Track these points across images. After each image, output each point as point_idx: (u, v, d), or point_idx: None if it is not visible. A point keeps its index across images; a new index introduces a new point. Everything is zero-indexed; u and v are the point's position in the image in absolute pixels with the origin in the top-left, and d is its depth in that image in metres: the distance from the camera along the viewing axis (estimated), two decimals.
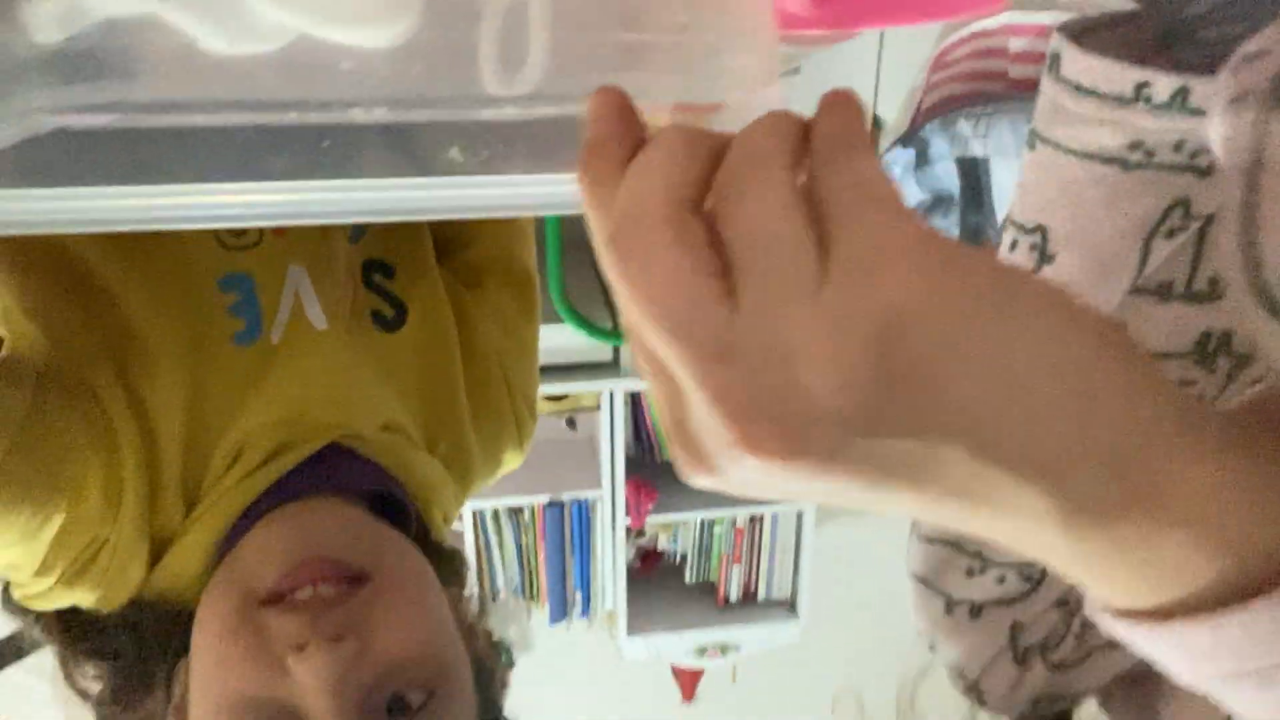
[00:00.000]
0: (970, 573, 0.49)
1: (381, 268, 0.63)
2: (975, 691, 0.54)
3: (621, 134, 0.26)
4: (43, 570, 0.50)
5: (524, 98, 0.38)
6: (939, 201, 1.31)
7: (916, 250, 0.22)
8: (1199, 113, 0.34)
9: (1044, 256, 0.37)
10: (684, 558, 2.04)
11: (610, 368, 1.69)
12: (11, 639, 0.74)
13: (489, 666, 0.56)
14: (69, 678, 0.55)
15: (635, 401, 1.84)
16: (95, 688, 0.54)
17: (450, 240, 0.71)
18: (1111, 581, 0.25)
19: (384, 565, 0.51)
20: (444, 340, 0.64)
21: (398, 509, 0.58)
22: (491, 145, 0.40)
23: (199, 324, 0.55)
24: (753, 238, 0.23)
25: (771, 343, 0.22)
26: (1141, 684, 0.48)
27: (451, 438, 0.64)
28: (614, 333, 1.51)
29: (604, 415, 1.72)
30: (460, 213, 0.41)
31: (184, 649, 0.52)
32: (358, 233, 0.63)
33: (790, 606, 2.02)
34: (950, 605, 0.51)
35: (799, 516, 1.93)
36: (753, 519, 1.95)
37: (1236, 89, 0.27)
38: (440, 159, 0.40)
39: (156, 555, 0.53)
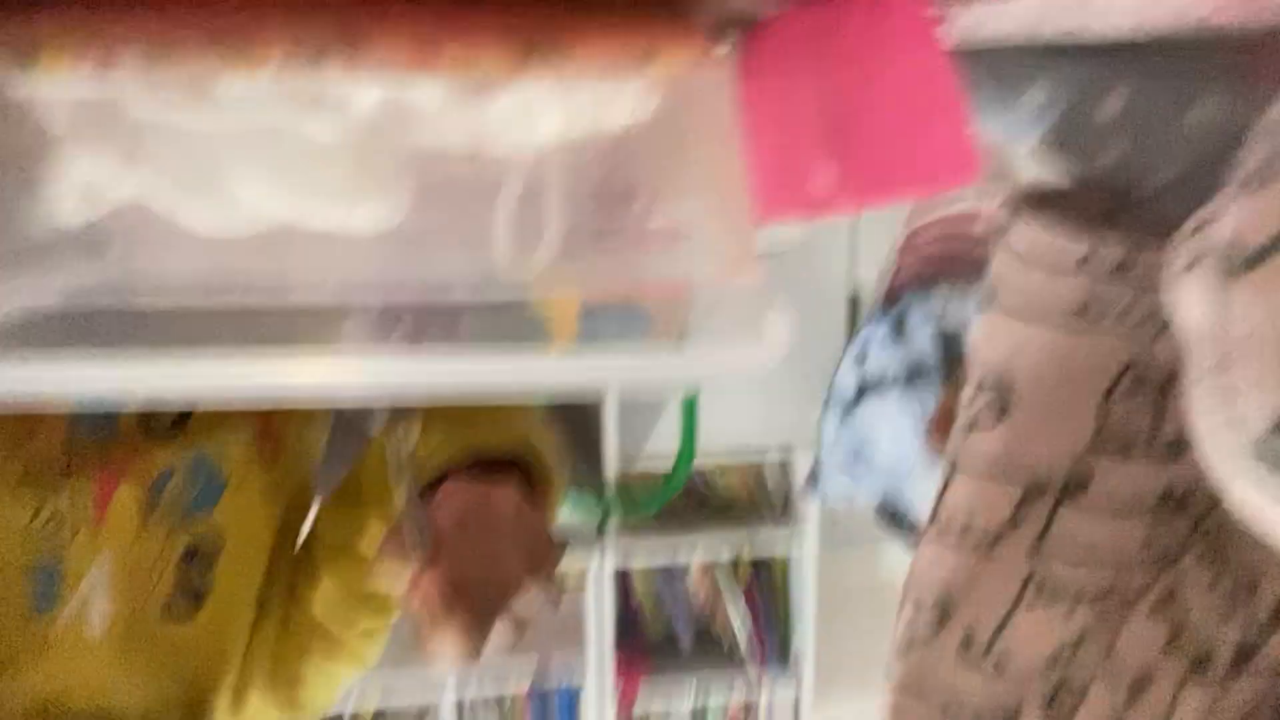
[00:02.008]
0: None
1: (205, 558, 0.67)
2: None
3: None
4: None
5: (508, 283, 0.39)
6: (916, 373, 1.33)
7: None
8: (1142, 283, 0.36)
9: (1002, 412, 0.38)
10: None
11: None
12: None
13: None
14: None
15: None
16: None
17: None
18: None
19: None
20: (230, 637, 0.69)
21: None
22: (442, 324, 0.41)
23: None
24: None
25: None
26: None
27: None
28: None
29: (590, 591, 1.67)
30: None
31: None
32: (206, 499, 0.66)
33: None
34: None
35: (796, 704, 1.85)
36: (747, 707, 1.86)
37: (1189, 257, 0.27)
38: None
39: None
